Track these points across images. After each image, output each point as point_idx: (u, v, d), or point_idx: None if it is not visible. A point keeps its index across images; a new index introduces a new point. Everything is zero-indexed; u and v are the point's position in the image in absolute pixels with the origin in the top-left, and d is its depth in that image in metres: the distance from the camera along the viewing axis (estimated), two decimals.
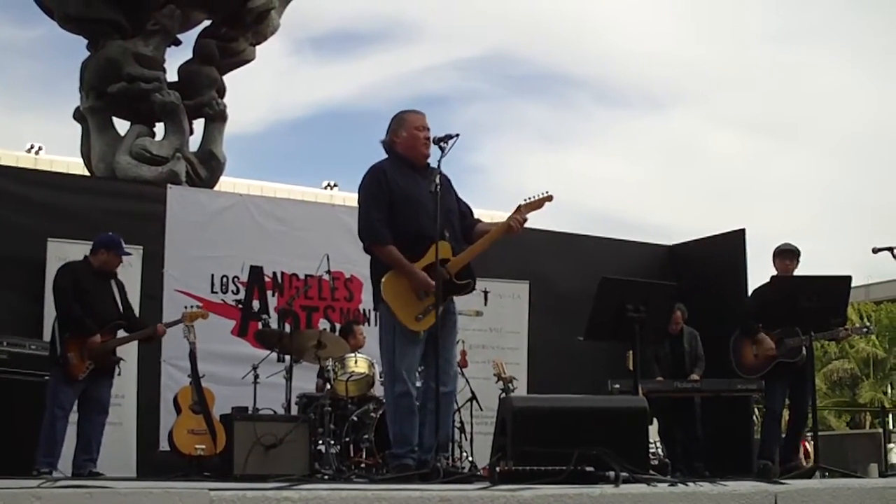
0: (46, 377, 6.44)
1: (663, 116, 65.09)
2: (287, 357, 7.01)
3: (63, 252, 7.21)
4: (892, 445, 15.84)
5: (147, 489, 2.40)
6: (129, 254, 6.82)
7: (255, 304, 8.28)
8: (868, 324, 9.10)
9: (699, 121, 67.14)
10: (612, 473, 3.50)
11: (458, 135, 4.65)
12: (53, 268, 6.87)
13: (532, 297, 9.31)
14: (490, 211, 16.51)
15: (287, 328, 7.90)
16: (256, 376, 7.06)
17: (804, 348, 6.70)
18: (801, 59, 63.06)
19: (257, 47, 10.34)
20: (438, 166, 4.71)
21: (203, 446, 6.57)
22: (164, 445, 7.11)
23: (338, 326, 8.25)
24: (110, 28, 9.32)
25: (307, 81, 70.68)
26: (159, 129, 9.49)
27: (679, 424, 8.04)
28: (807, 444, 9.42)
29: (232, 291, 8.21)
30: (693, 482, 3.49)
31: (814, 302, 5.92)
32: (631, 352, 6.00)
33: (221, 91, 9.95)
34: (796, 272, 6.99)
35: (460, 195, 5.09)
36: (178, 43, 9.92)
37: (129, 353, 6.92)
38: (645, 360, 7.52)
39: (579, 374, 8.48)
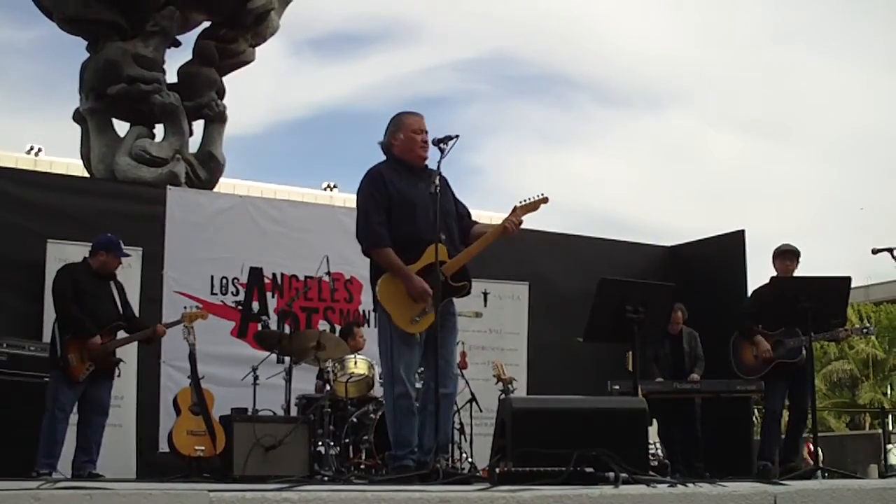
0: (46, 379, 6.45)
1: (662, 117, 65.20)
2: (287, 358, 7.01)
3: (62, 253, 7.21)
4: (891, 446, 15.85)
5: (147, 490, 2.40)
6: (128, 255, 6.82)
7: (255, 306, 8.28)
8: (868, 324, 9.08)
9: (698, 121, 67.20)
10: (611, 474, 3.50)
11: (457, 136, 4.65)
12: (53, 269, 6.87)
13: (532, 299, 9.31)
14: (489, 212, 16.55)
15: (287, 329, 7.90)
16: (256, 377, 7.06)
17: (804, 349, 6.71)
18: (800, 60, 63.19)
19: (257, 48, 10.34)
20: (438, 168, 4.71)
21: (203, 447, 6.57)
22: (163, 447, 7.11)
23: (337, 328, 8.25)
24: (110, 29, 9.32)
25: (307, 82, 70.80)
26: (159, 130, 9.49)
27: (679, 425, 8.04)
28: (810, 445, 9.41)
29: (231, 293, 8.21)
30: (692, 483, 3.49)
31: (813, 303, 5.93)
32: (630, 353, 6.00)
33: (221, 92, 9.96)
34: (796, 273, 6.99)
35: (460, 196, 5.09)
36: (177, 44, 9.93)
37: (128, 354, 6.92)
38: (644, 361, 7.53)
39: (579, 375, 8.49)
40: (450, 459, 5.99)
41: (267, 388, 7.07)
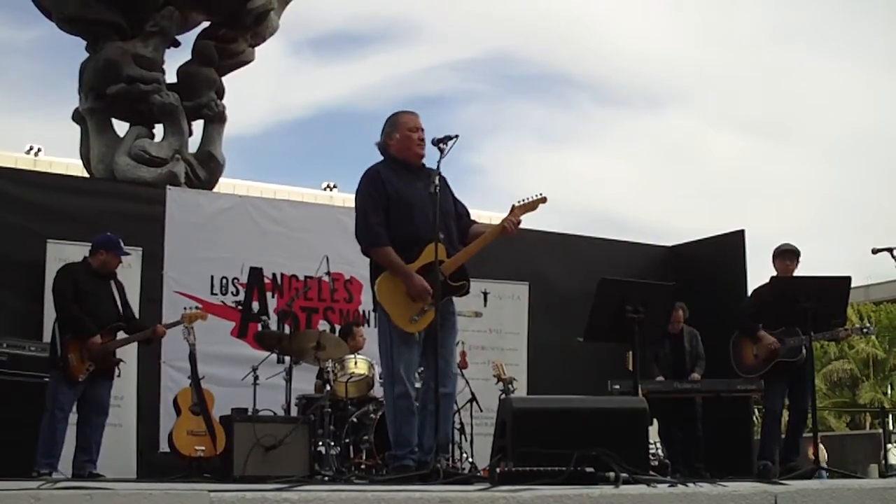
0: (46, 378, 6.44)
1: (662, 117, 65.15)
2: (287, 358, 7.02)
3: (62, 253, 7.22)
4: (891, 446, 15.83)
5: (147, 490, 2.40)
6: (128, 254, 6.82)
7: (255, 306, 8.28)
8: (868, 324, 9.07)
9: (698, 121, 67.16)
10: (611, 474, 3.49)
11: (457, 136, 4.65)
12: (53, 269, 6.87)
13: (532, 298, 9.31)
14: (489, 212, 16.55)
15: (287, 329, 7.91)
16: (256, 378, 7.06)
17: (804, 348, 6.71)
18: (800, 60, 63.17)
19: (256, 48, 10.34)
20: (438, 167, 4.72)
21: (203, 447, 6.57)
22: (163, 447, 7.12)
23: (337, 328, 8.25)
24: (109, 29, 9.32)
25: (306, 82, 70.76)
26: (158, 130, 9.48)
27: (679, 425, 8.04)
28: (819, 445, 9.39)
29: (231, 293, 8.21)
30: (693, 483, 3.49)
31: (813, 302, 5.93)
32: (631, 352, 6.01)
33: (220, 92, 9.95)
34: (796, 273, 6.99)
35: (459, 196, 5.09)
36: (177, 44, 9.92)
37: (128, 354, 6.92)
38: (645, 361, 7.53)
39: (579, 374, 8.49)
40: (450, 459, 5.99)
41: (267, 388, 7.07)
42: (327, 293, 8.44)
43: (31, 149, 24.98)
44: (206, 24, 10.06)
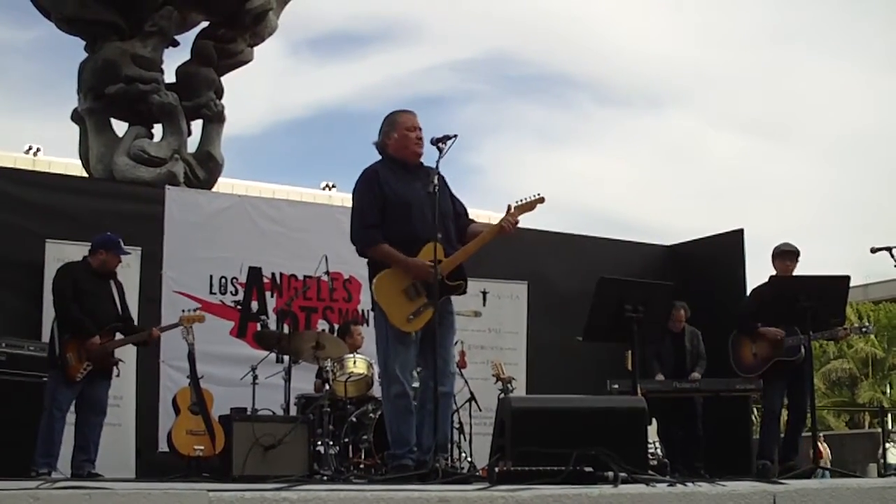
0: (44, 378, 6.44)
1: (662, 117, 65.17)
2: (286, 358, 7.02)
3: (61, 253, 7.21)
4: (890, 445, 15.83)
5: (146, 490, 2.39)
6: (127, 253, 6.82)
7: (254, 305, 8.28)
8: (867, 323, 9.07)
9: (698, 121, 67.16)
10: (610, 474, 3.49)
11: (456, 136, 4.66)
12: (52, 269, 6.87)
13: (531, 298, 9.31)
14: (488, 211, 16.53)
15: (286, 329, 7.90)
16: (255, 377, 7.05)
17: (803, 347, 6.71)
18: (800, 60, 63.17)
19: (255, 48, 10.34)
20: (437, 167, 4.71)
21: (202, 447, 6.57)
22: (162, 446, 7.12)
23: (336, 327, 8.26)
24: (108, 29, 9.33)
25: (305, 82, 70.74)
26: (157, 130, 9.49)
27: (678, 424, 8.04)
28: (821, 444, 9.41)
29: (230, 292, 8.21)
30: (692, 482, 3.49)
31: (812, 302, 5.93)
32: (630, 352, 6.00)
33: (219, 92, 9.96)
34: (795, 272, 6.99)
35: (458, 196, 5.09)
36: (175, 44, 9.92)
37: (128, 354, 6.92)
38: (645, 360, 7.52)
39: (578, 374, 8.49)
40: (449, 459, 5.99)
41: (266, 388, 7.07)
42: (326, 293, 8.44)
43: (30, 149, 24.98)
44: (204, 24, 10.06)
